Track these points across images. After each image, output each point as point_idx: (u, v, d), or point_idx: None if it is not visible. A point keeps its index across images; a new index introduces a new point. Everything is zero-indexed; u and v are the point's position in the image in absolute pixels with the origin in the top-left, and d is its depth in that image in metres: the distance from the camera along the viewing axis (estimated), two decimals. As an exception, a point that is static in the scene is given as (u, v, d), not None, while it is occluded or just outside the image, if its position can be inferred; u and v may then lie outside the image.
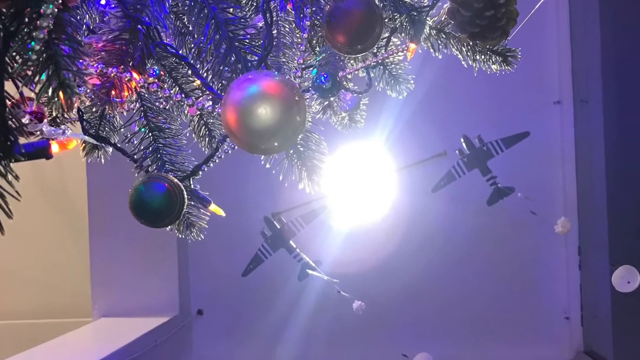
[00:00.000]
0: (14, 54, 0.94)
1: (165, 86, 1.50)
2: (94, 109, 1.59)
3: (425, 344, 4.75)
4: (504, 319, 5.23)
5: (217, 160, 1.57)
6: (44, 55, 0.97)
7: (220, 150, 1.56)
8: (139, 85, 1.39)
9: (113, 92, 1.31)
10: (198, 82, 1.47)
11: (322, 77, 1.57)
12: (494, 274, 5.24)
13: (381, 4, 1.58)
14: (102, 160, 1.76)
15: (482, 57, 1.78)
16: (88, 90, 1.30)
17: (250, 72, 1.11)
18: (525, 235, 5.11)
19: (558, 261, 5.23)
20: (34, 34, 0.92)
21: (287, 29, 1.57)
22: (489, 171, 3.51)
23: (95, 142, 1.64)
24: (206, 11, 1.32)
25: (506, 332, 5.22)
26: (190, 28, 1.44)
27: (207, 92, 1.36)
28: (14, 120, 0.93)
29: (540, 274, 5.27)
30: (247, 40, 1.33)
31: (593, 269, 5.02)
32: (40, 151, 1.36)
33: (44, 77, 0.98)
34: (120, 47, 1.30)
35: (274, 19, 1.48)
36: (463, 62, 1.80)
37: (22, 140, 1.00)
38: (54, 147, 1.42)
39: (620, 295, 2.47)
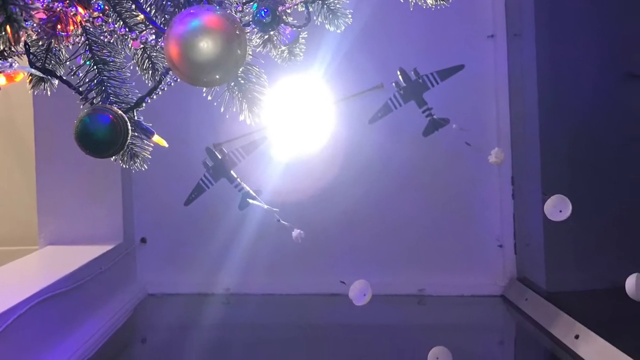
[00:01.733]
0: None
1: (110, 20, 1.49)
2: (40, 43, 1.59)
3: (363, 271, 4.87)
4: (439, 248, 5.33)
5: (160, 93, 1.57)
6: (-9, -9, 0.97)
7: (163, 83, 1.57)
8: (84, 19, 1.40)
9: (59, 26, 1.33)
10: (141, 16, 1.47)
11: (262, 12, 1.59)
12: (429, 204, 5.33)
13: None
14: (48, 93, 1.74)
15: (418, -9, 1.81)
16: (35, 25, 1.31)
17: (192, 7, 1.12)
18: (460, 166, 5.19)
19: (492, 191, 5.33)
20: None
21: (228, -35, 1.58)
22: (424, 103, 3.55)
23: (41, 74, 1.64)
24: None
25: (441, 260, 5.32)
26: (134, -37, 1.45)
27: (151, 26, 1.39)
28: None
29: (475, 203, 5.37)
30: (190, -24, 1.34)
31: (526, 198, 5.12)
32: (-12, 83, 1.39)
33: (-9, 12, 0.99)
34: (66, -17, 1.32)
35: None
36: (399, -3, 1.83)
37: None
38: (1, 80, 1.44)
39: (552, 224, 2.55)
